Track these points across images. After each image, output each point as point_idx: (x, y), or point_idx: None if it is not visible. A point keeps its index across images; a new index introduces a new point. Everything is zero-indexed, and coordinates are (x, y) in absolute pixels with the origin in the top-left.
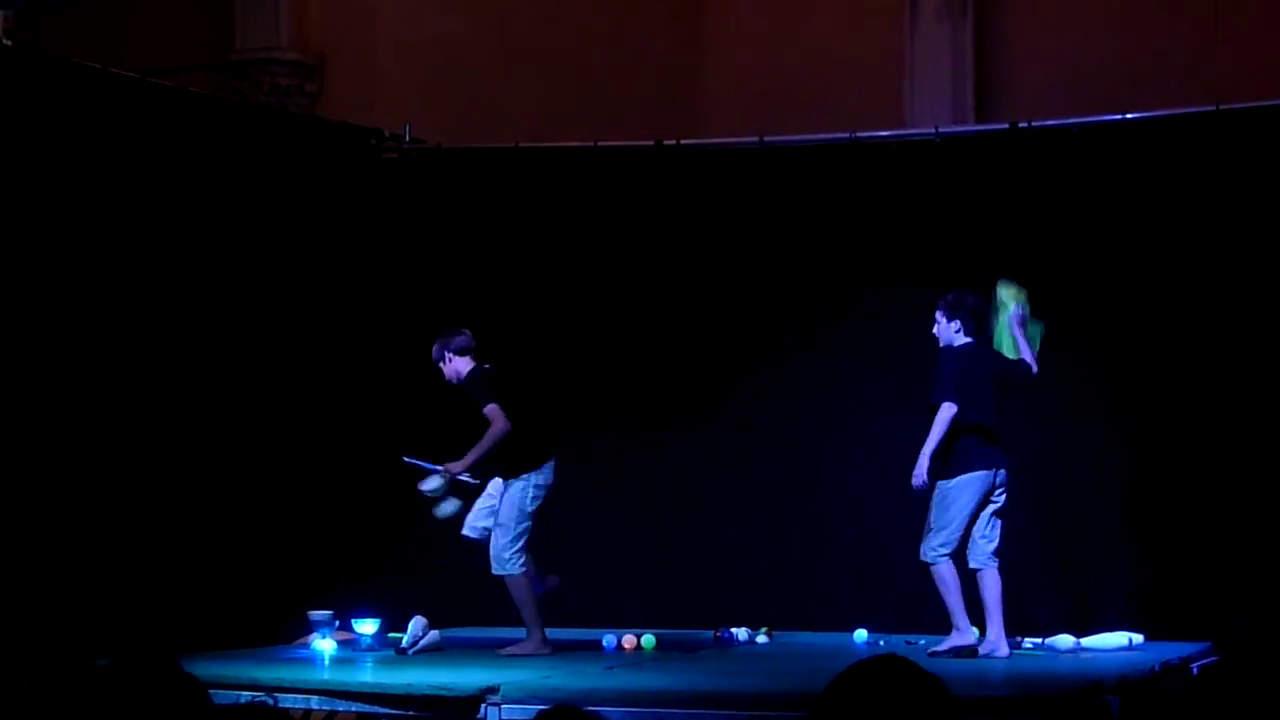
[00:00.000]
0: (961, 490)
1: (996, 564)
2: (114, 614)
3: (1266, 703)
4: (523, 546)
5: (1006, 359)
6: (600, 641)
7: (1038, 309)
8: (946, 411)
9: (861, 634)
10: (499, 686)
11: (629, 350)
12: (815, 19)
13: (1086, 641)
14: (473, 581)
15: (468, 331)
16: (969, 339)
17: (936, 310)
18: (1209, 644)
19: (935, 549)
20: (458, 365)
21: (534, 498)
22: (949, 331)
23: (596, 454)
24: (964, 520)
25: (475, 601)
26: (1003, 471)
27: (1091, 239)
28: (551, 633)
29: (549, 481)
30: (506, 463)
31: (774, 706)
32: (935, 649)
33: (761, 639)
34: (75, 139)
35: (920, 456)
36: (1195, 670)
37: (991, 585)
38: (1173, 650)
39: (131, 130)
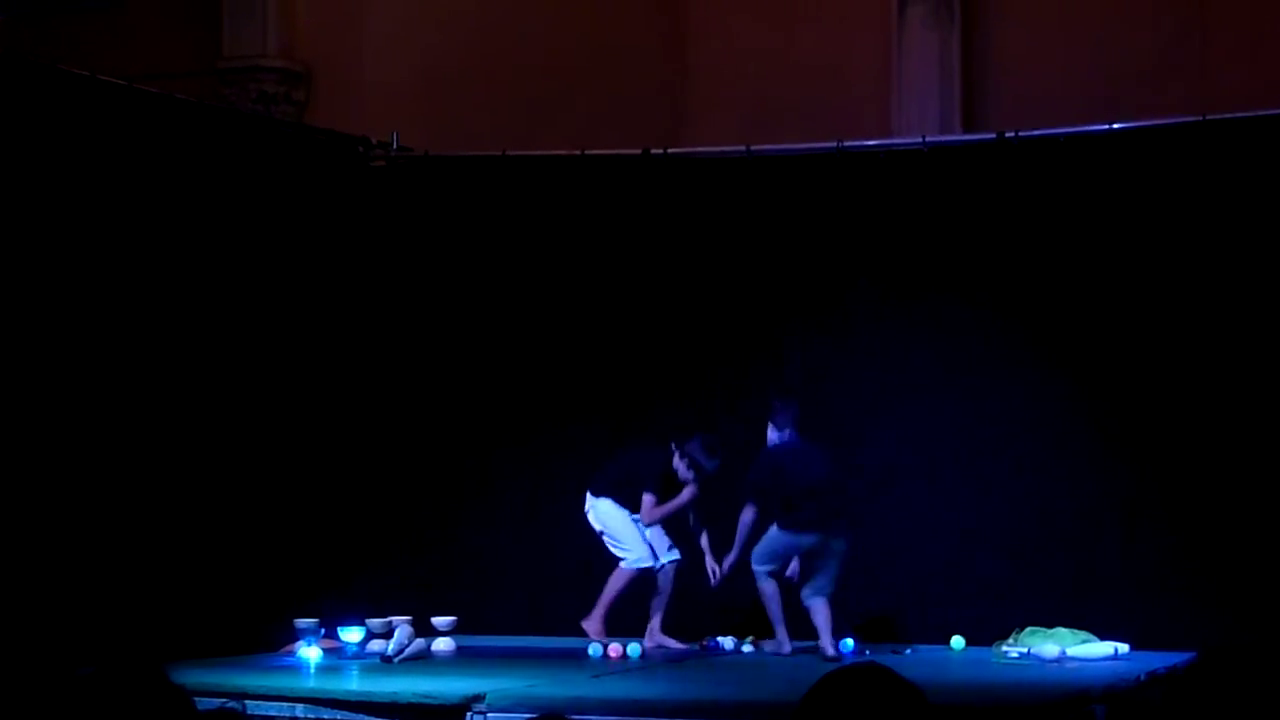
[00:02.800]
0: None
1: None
2: (99, 622)
3: (1244, 705)
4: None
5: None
6: (587, 650)
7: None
8: (745, 514)
9: (848, 643)
10: (484, 695)
11: (616, 357)
12: (802, 28)
13: (1072, 651)
14: (458, 588)
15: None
16: (779, 436)
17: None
18: (1194, 654)
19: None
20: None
21: None
22: (773, 436)
23: (582, 461)
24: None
25: (461, 609)
26: (840, 541)
27: (1079, 249)
28: (538, 641)
29: None
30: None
31: (758, 715)
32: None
33: (747, 648)
34: (63, 146)
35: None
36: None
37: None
38: (1158, 660)
39: (119, 137)
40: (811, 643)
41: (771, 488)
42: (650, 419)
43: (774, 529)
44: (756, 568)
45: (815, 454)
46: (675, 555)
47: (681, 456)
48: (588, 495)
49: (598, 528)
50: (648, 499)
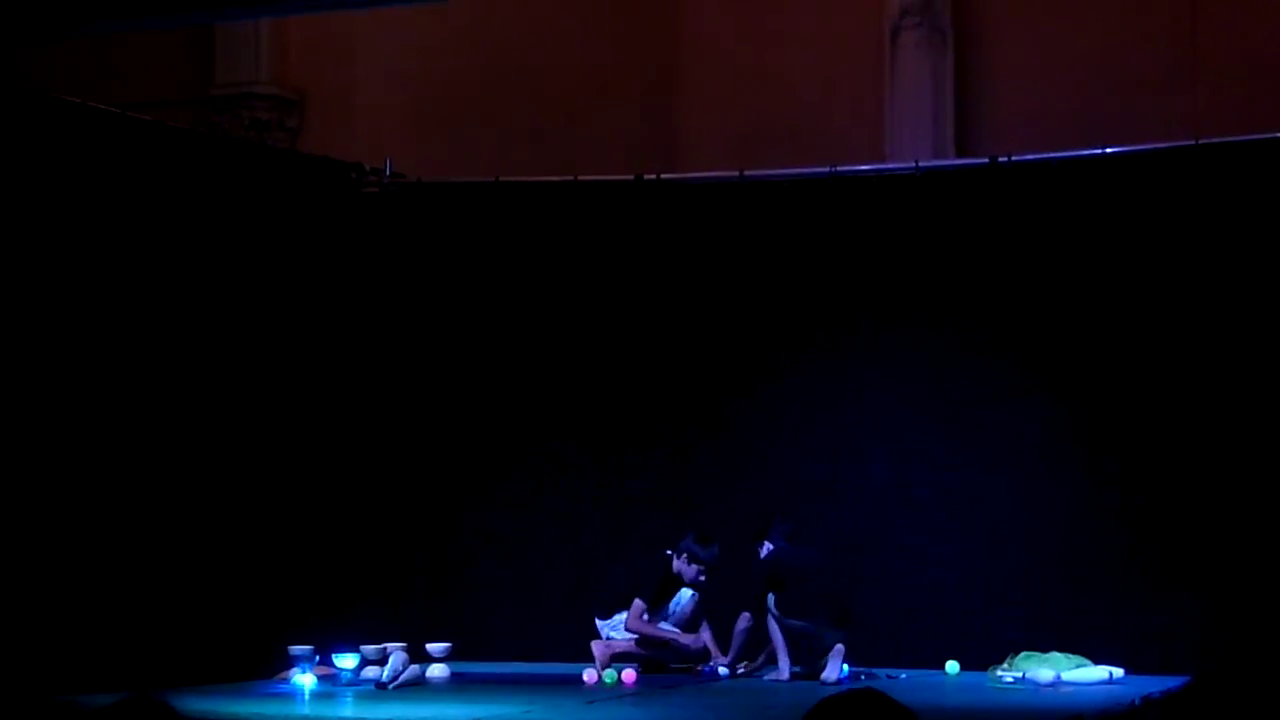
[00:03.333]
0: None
1: None
2: (94, 648)
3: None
4: None
5: None
6: (581, 676)
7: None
8: (741, 622)
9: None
10: None
11: (609, 384)
12: (794, 54)
13: (1067, 675)
14: (453, 615)
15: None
16: (769, 545)
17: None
18: (1189, 679)
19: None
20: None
21: None
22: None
23: (575, 487)
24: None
25: (457, 635)
26: (834, 634)
27: (1071, 273)
28: (533, 668)
29: None
30: None
31: None
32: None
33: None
34: (55, 174)
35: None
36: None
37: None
38: (1153, 685)
39: (111, 165)
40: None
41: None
42: (643, 444)
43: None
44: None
45: (814, 554)
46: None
47: (678, 556)
48: (597, 623)
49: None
50: (637, 604)
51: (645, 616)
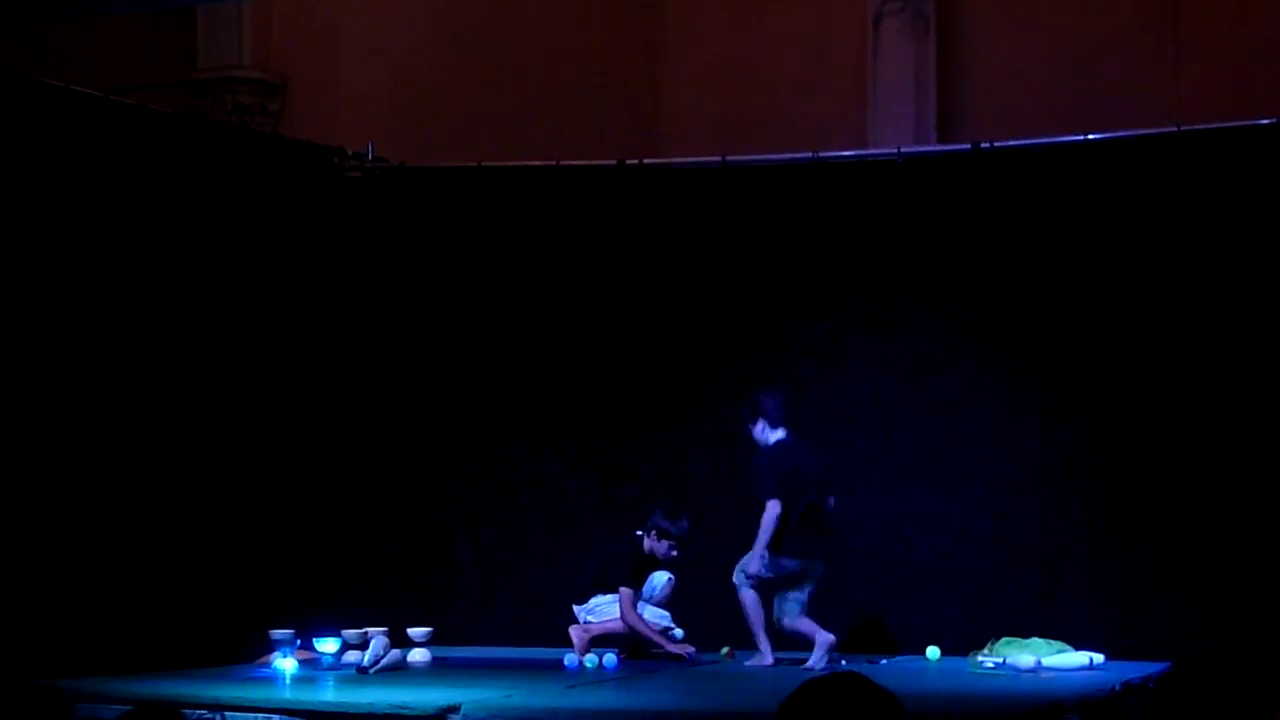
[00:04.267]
0: (780, 562)
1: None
2: (75, 633)
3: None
4: None
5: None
6: (563, 661)
7: (1000, 329)
8: (773, 508)
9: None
10: (460, 705)
11: (592, 368)
12: (778, 40)
13: (1047, 661)
14: (434, 599)
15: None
16: (781, 432)
17: (745, 420)
18: (1169, 664)
19: (744, 576)
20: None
21: None
22: (758, 432)
23: (556, 472)
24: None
25: (437, 620)
26: (821, 564)
27: (1054, 259)
28: (514, 652)
29: None
30: None
31: None
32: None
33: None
34: (37, 157)
35: (753, 552)
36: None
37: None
38: (1133, 670)
39: (93, 148)
40: (791, 653)
41: (794, 485)
42: (625, 430)
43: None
44: (738, 579)
45: (810, 454)
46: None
47: (648, 534)
48: (575, 609)
49: (606, 619)
50: (625, 593)
51: (637, 606)
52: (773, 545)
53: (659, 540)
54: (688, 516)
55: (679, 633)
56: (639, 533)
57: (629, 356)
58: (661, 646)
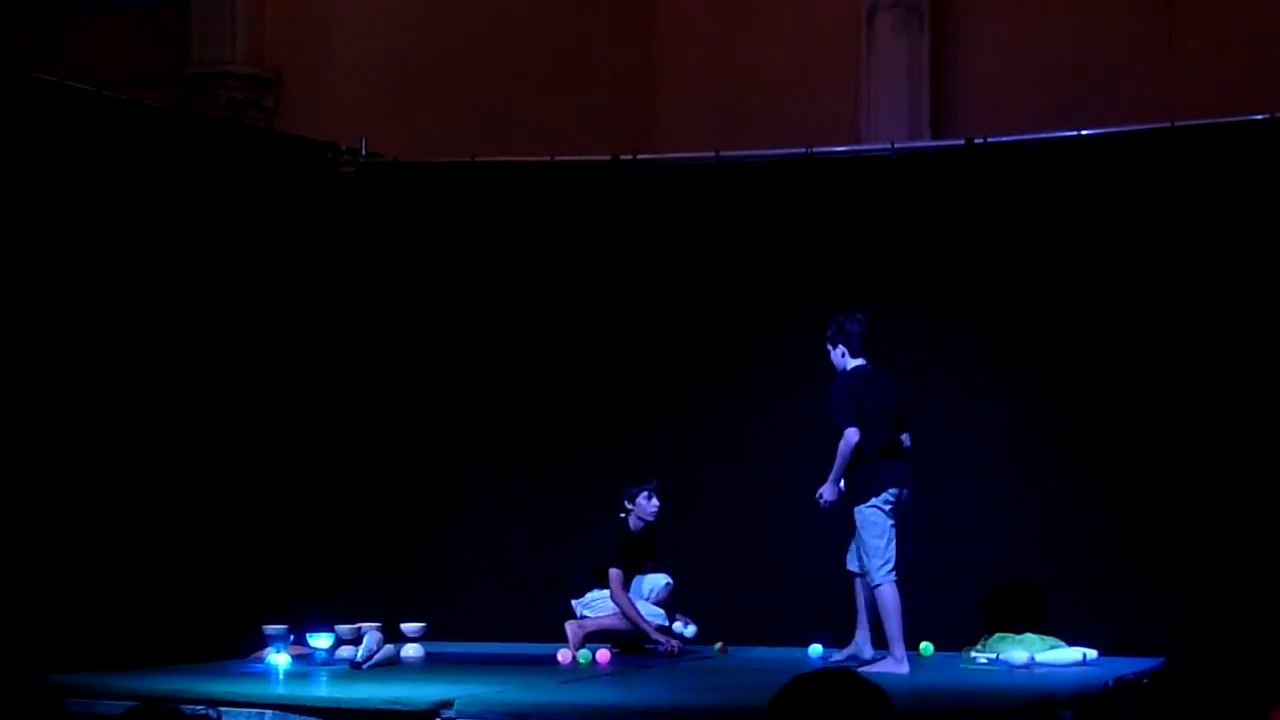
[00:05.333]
0: (876, 512)
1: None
2: (68, 628)
3: (1213, 712)
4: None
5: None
6: (556, 656)
7: (994, 325)
8: (851, 436)
9: (816, 649)
10: (453, 700)
11: (586, 363)
12: (771, 35)
13: (1040, 657)
14: (427, 594)
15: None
16: (860, 360)
17: (825, 342)
18: (1162, 660)
19: (879, 571)
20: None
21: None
22: (837, 357)
23: (550, 466)
24: (891, 537)
25: (430, 615)
26: (906, 490)
27: (1048, 255)
28: (507, 648)
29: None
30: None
31: None
32: (866, 668)
33: (690, 630)
34: (29, 152)
35: (828, 480)
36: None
37: (888, 601)
38: (1127, 666)
39: (87, 143)
40: (783, 648)
41: (871, 416)
42: (620, 425)
43: (860, 509)
44: (877, 572)
45: (889, 384)
46: (667, 581)
47: (628, 510)
48: (573, 604)
49: (603, 614)
50: (614, 574)
51: (634, 605)
52: (873, 486)
53: (635, 503)
54: (657, 477)
55: (691, 629)
56: (620, 515)
57: (624, 352)
58: (649, 634)
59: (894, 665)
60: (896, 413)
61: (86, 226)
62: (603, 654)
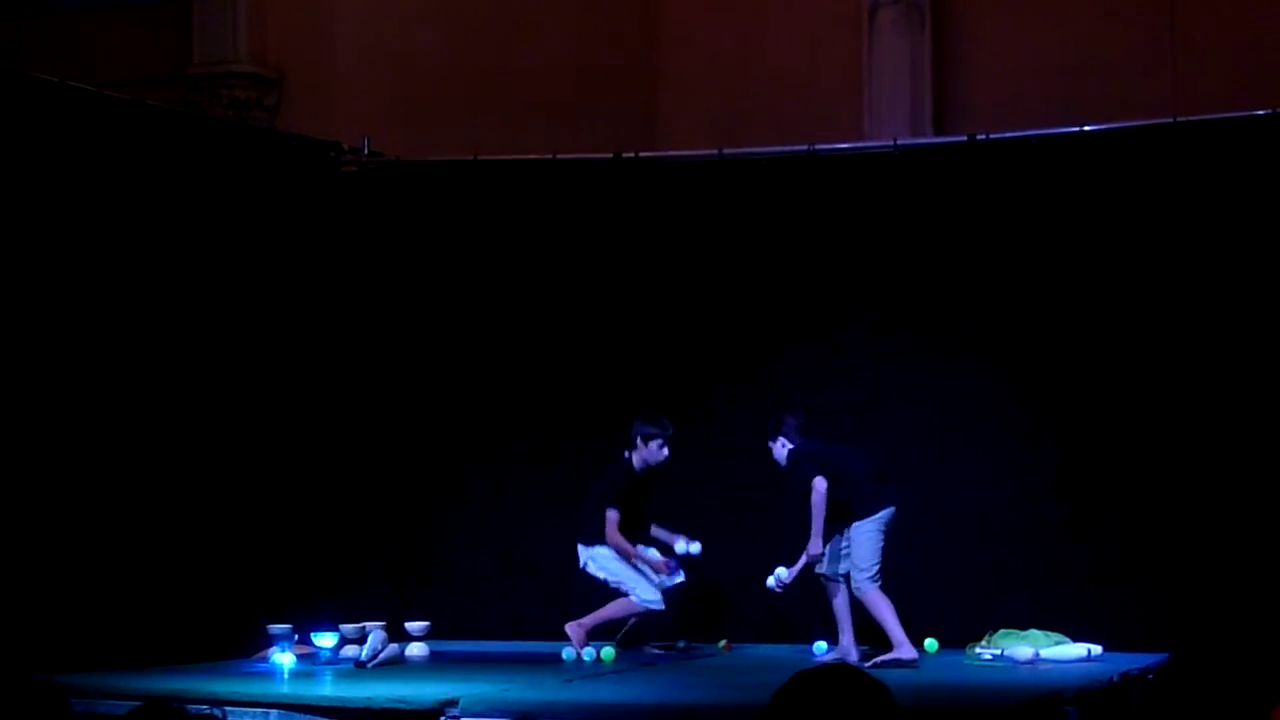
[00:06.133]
0: (875, 530)
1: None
2: (72, 627)
3: (1218, 708)
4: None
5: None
6: (560, 655)
7: (995, 321)
8: (820, 485)
9: (821, 646)
10: (458, 699)
11: (589, 362)
12: (774, 32)
13: (1045, 653)
14: (432, 593)
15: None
16: (802, 441)
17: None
18: (1167, 655)
19: (865, 579)
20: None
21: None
22: (782, 452)
23: (554, 465)
24: (879, 550)
25: (435, 614)
26: (892, 509)
27: (1050, 251)
28: (511, 646)
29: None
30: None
31: (731, 718)
32: (876, 660)
33: (695, 547)
34: (31, 153)
35: (811, 536)
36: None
37: (876, 600)
38: (1131, 661)
39: (89, 144)
40: (788, 645)
41: (835, 473)
42: (622, 423)
43: (857, 525)
44: (861, 580)
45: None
46: (680, 578)
47: (635, 446)
48: (579, 548)
49: (600, 577)
50: (610, 515)
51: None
52: (864, 509)
53: (646, 445)
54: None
55: (696, 546)
56: (626, 454)
57: (626, 349)
58: (649, 566)
59: (903, 653)
60: (869, 460)
61: (89, 227)
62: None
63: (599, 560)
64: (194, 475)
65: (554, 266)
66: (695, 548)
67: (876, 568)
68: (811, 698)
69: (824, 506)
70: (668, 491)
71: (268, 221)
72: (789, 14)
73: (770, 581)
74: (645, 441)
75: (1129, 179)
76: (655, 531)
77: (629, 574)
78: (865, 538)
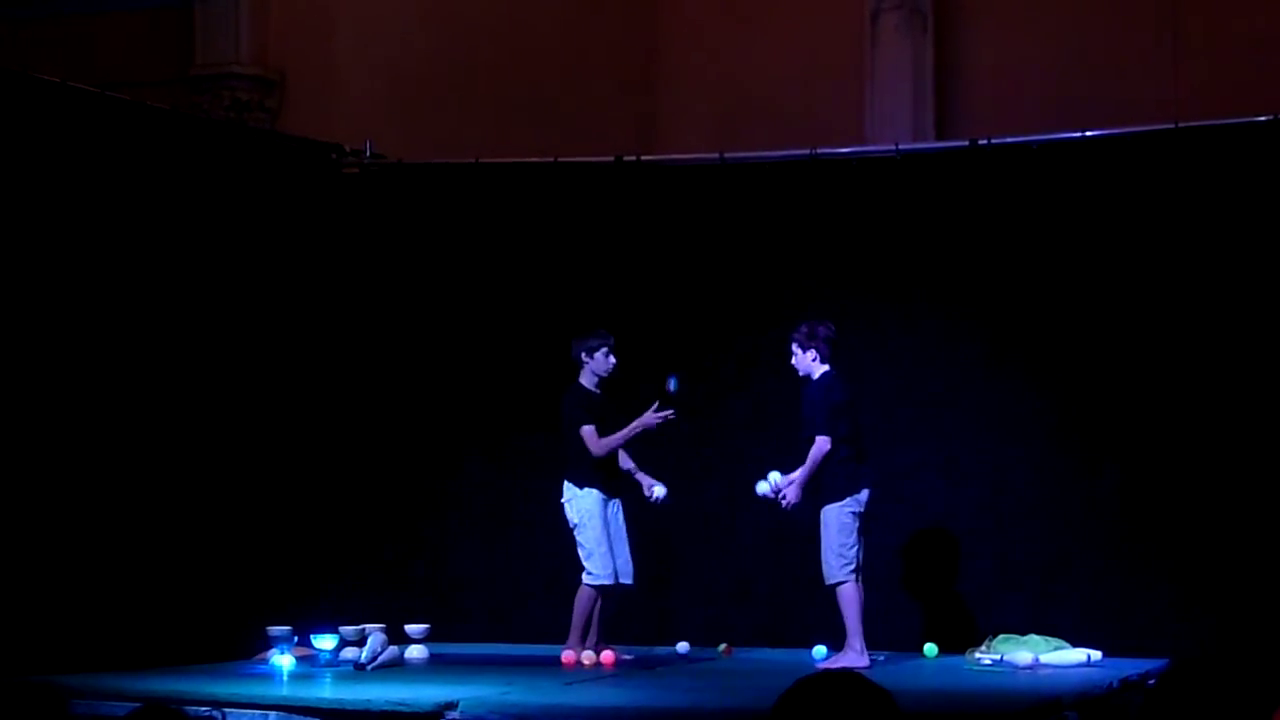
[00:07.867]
0: (844, 512)
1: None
2: (72, 629)
3: (1220, 713)
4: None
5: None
6: (560, 657)
7: (998, 325)
8: (823, 445)
9: (821, 650)
10: (458, 702)
11: None
12: (775, 36)
13: (1045, 658)
14: (431, 596)
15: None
16: (826, 367)
17: (792, 343)
18: (1167, 660)
19: (842, 569)
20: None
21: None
22: (806, 362)
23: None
24: (858, 538)
25: (435, 616)
26: (867, 491)
27: (1052, 255)
28: (511, 649)
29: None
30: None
31: None
32: (824, 664)
33: (659, 490)
34: (33, 153)
35: (795, 482)
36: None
37: (850, 597)
38: (1131, 667)
39: (90, 145)
40: (787, 649)
41: (848, 421)
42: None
43: (829, 509)
44: (839, 570)
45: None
46: (629, 582)
47: (582, 366)
48: (565, 485)
49: (573, 520)
50: (587, 431)
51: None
52: (841, 490)
53: (592, 358)
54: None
55: (660, 489)
56: (578, 378)
57: (626, 353)
58: (638, 430)
59: (855, 659)
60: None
61: (90, 228)
62: (607, 655)
63: (579, 507)
64: (194, 476)
65: (555, 270)
66: (660, 491)
67: (853, 559)
68: (814, 704)
69: (819, 465)
70: (668, 492)
71: (269, 223)
72: (791, 18)
73: (763, 487)
74: (590, 355)
75: (1130, 184)
76: (624, 463)
77: (592, 542)
78: (838, 522)
